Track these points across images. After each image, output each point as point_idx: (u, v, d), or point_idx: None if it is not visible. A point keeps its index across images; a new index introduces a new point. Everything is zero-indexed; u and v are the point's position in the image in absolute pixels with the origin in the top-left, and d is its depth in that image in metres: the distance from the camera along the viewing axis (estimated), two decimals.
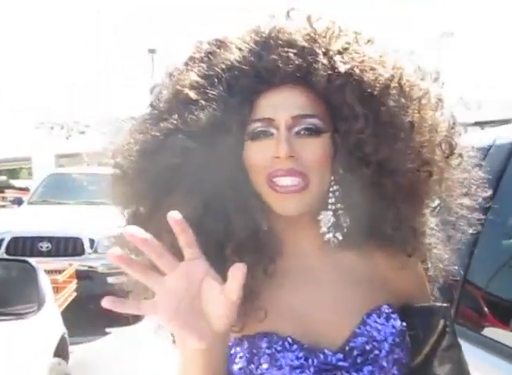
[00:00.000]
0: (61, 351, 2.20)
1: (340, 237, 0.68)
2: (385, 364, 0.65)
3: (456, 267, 0.79)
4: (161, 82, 0.71)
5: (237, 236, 0.65)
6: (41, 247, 4.50)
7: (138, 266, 0.55)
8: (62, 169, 10.19)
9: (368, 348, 0.65)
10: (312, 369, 0.63)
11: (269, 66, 0.64)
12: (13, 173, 27.90)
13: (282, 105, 0.64)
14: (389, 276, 0.71)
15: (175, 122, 0.64)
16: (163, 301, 0.54)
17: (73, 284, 3.60)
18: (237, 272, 0.53)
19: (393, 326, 0.67)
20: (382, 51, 0.67)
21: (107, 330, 4.03)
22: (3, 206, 10.66)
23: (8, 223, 5.00)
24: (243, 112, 0.65)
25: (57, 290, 3.24)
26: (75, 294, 3.56)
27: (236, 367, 0.64)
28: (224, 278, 0.58)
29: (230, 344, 0.65)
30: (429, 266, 0.77)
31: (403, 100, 0.65)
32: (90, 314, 3.94)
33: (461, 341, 1.22)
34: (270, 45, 0.65)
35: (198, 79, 0.66)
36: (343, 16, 0.70)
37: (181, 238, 0.55)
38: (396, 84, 0.65)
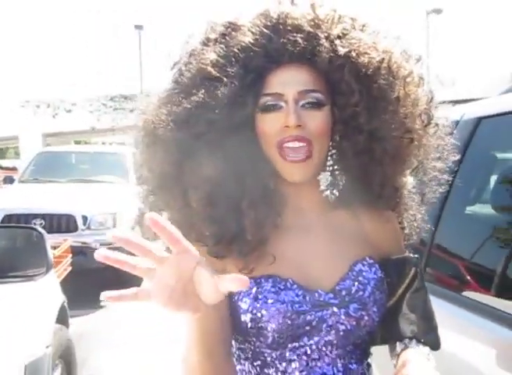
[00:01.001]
0: (62, 318, 2.31)
1: (337, 194, 0.81)
2: (367, 303, 0.78)
3: (427, 227, 0.93)
4: (181, 60, 0.80)
5: (251, 193, 0.76)
6: (35, 224, 4.57)
7: (127, 264, 0.56)
8: (51, 147, 10.12)
9: (354, 289, 0.79)
10: (309, 305, 0.76)
11: (279, 47, 0.75)
12: (0, 153, 27.41)
13: (290, 82, 0.76)
14: (372, 234, 0.85)
15: (202, 96, 0.75)
16: (156, 291, 0.57)
17: (68, 259, 3.70)
18: (240, 281, 0.55)
19: (375, 273, 0.81)
20: (374, 36, 0.79)
21: (102, 303, 4.17)
22: None
23: (1, 202, 5.04)
24: (256, 87, 0.76)
25: (53, 264, 3.33)
26: (70, 268, 3.65)
27: (243, 306, 0.76)
28: (241, 226, 0.75)
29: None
30: (405, 225, 0.91)
31: (391, 79, 0.77)
32: (85, 288, 4.05)
33: (434, 298, 1.38)
34: (279, 29, 0.76)
35: (218, 58, 0.76)
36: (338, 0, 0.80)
37: (164, 237, 0.56)
38: (386, 65, 0.77)
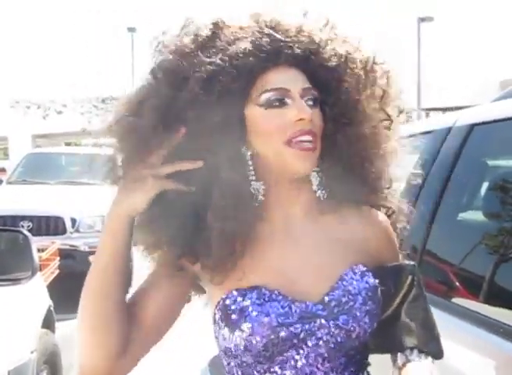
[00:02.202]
0: (48, 323, 2.28)
1: (325, 195, 0.80)
2: (358, 314, 0.76)
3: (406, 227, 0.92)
4: (169, 60, 0.78)
5: (217, 203, 0.74)
6: (22, 226, 4.51)
7: None
8: (40, 148, 10.03)
9: (343, 300, 0.76)
10: (295, 317, 0.74)
11: (276, 47, 0.77)
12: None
13: (293, 79, 0.77)
14: (365, 240, 0.83)
15: (196, 91, 0.73)
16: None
17: (56, 262, 3.64)
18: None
19: (367, 282, 0.78)
20: (356, 40, 0.83)
21: None
22: None
23: None
24: (249, 86, 0.76)
25: (40, 267, 3.28)
26: (58, 271, 3.60)
27: (232, 316, 0.74)
28: (206, 237, 0.74)
29: (223, 296, 0.76)
30: (393, 218, 0.89)
31: (376, 75, 0.82)
32: (73, 292, 3.99)
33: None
34: (276, 31, 0.78)
35: (218, 61, 0.75)
36: (323, 4, 0.84)
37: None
38: (370, 65, 0.81)
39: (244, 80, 0.75)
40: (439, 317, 1.32)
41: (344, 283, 0.78)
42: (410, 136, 1.86)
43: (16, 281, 1.71)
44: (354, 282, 0.78)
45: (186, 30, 0.80)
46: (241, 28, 0.78)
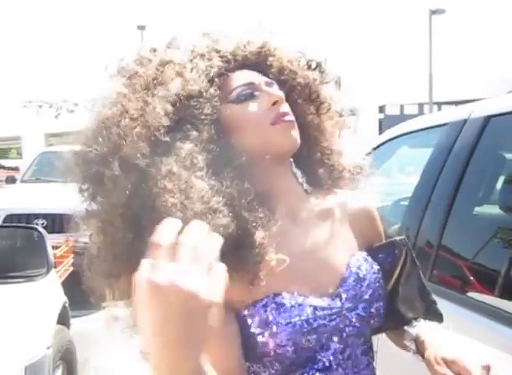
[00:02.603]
0: (63, 319, 2.30)
1: (307, 186, 0.81)
2: (373, 299, 0.77)
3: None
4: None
5: (239, 196, 0.70)
6: (37, 224, 4.55)
7: None
8: (53, 147, 10.13)
9: (357, 287, 0.76)
10: (321, 317, 0.72)
11: (233, 54, 0.81)
12: (2, 153, 27.49)
13: (255, 75, 0.81)
14: (353, 223, 0.83)
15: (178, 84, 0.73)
16: None
17: (70, 259, 3.68)
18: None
19: (371, 266, 0.79)
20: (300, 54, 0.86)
21: (103, 304, 4.14)
22: None
23: (3, 201, 5.03)
24: (220, 83, 0.78)
25: (55, 264, 3.32)
26: (72, 268, 3.64)
27: (256, 330, 0.70)
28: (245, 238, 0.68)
29: (242, 312, 0.71)
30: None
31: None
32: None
33: (440, 300, 1.35)
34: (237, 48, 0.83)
35: (183, 56, 0.77)
36: None
37: None
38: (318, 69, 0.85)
39: (211, 80, 0.76)
40: (455, 311, 1.32)
41: (353, 270, 0.77)
42: (424, 129, 1.84)
43: (31, 278, 1.73)
44: (362, 267, 0.78)
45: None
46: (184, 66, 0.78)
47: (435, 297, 1.35)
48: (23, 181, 6.10)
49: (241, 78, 0.79)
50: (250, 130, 0.76)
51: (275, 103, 0.77)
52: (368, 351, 0.79)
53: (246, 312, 0.72)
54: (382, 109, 17.19)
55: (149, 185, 0.67)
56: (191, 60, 0.78)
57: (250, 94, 0.78)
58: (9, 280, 1.66)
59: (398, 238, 0.85)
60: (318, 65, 0.86)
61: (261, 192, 0.73)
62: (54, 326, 2.11)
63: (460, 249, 1.51)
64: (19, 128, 19.41)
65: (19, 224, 3.95)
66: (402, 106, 17.24)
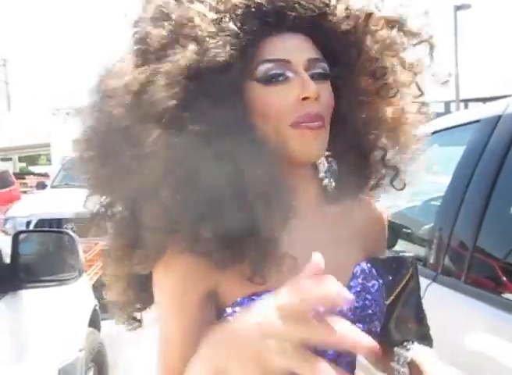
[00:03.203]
0: (94, 322, 2.34)
1: (333, 183, 0.71)
2: (373, 313, 0.70)
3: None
4: (146, 16, 0.63)
5: (255, 180, 0.59)
6: (66, 228, 4.66)
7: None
8: None
9: (362, 297, 0.70)
10: None
11: (279, 10, 0.63)
12: (32, 160, 28.33)
13: (297, 48, 0.64)
14: (363, 231, 0.76)
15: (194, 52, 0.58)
16: None
17: (99, 262, 3.74)
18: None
19: (376, 280, 0.72)
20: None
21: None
22: (25, 192, 10.92)
23: (34, 206, 5.17)
24: (249, 54, 0.62)
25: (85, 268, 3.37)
26: (101, 271, 3.69)
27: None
28: (253, 231, 0.58)
29: (233, 303, 0.62)
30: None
31: (399, 43, 0.68)
32: None
33: (476, 301, 1.29)
34: None
35: (207, 12, 0.61)
36: None
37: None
38: (397, 30, 0.67)
39: (239, 49, 0.61)
40: (491, 313, 1.27)
41: (359, 281, 0.71)
42: (455, 126, 1.78)
43: (63, 282, 1.76)
44: (367, 279, 0.72)
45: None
46: None
47: (471, 299, 1.31)
48: (52, 187, 6.26)
49: (277, 48, 0.63)
50: (270, 122, 0.64)
51: (305, 98, 0.62)
52: (353, 367, 0.73)
53: (229, 310, 0.62)
54: None
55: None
56: (218, 20, 0.60)
57: (280, 74, 0.63)
58: (42, 284, 1.70)
59: (407, 255, 0.79)
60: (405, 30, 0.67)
61: (276, 185, 0.62)
62: (85, 329, 2.14)
63: (496, 250, 1.46)
64: (48, 135, 19.93)
65: (51, 229, 4.04)
66: (427, 104, 16.89)
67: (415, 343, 0.75)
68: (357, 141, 0.69)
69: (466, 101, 15.94)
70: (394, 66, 0.68)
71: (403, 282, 0.77)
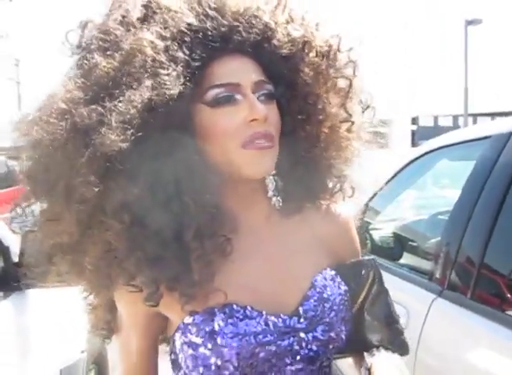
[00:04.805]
0: None
1: (280, 200, 0.74)
2: (334, 322, 0.70)
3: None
4: (92, 42, 0.63)
5: (196, 219, 0.62)
6: None
7: None
8: None
9: (319, 309, 0.70)
10: (274, 334, 0.66)
11: (225, 33, 0.64)
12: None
13: (244, 71, 0.65)
14: (326, 238, 0.77)
15: (147, 89, 0.58)
16: None
17: None
18: None
19: (339, 288, 0.73)
20: (316, 22, 0.71)
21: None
22: None
23: None
24: (199, 79, 0.63)
25: None
26: None
27: (197, 340, 0.64)
28: (185, 263, 0.62)
29: (186, 318, 0.66)
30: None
31: (336, 64, 0.72)
32: None
33: (481, 318, 1.28)
34: (224, 12, 0.65)
35: (157, 39, 0.61)
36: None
37: None
38: (333, 52, 0.71)
39: (186, 73, 0.61)
40: (496, 330, 1.26)
41: (317, 290, 0.71)
42: (466, 141, 1.78)
43: (66, 283, 1.77)
44: (328, 288, 0.72)
45: (113, 15, 0.64)
46: (176, 12, 0.63)
47: (477, 316, 1.30)
48: None
49: (225, 72, 0.64)
50: (218, 144, 0.65)
51: (254, 120, 0.64)
52: (327, 372, 0.73)
53: (189, 320, 0.66)
54: (415, 121, 16.91)
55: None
56: (167, 48, 0.60)
57: (228, 97, 0.64)
58: (46, 284, 1.70)
59: (366, 258, 0.79)
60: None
61: (217, 211, 0.65)
62: (88, 331, 2.14)
63: (503, 267, 1.45)
64: None
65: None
66: (436, 118, 16.92)
67: (382, 349, 0.75)
68: (302, 156, 0.72)
69: (474, 116, 15.92)
70: (326, 90, 0.71)
71: (366, 286, 0.77)
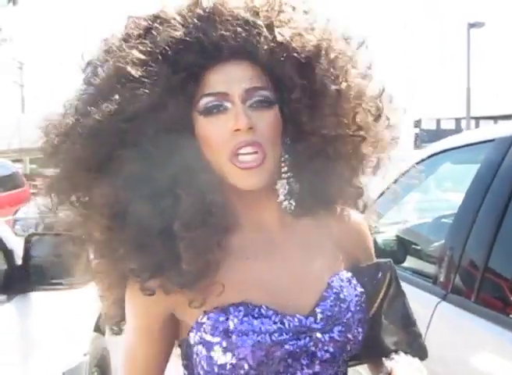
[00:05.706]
0: (99, 327, 2.33)
1: (293, 203, 0.73)
2: (351, 323, 0.70)
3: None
4: (97, 58, 0.70)
5: (186, 211, 0.64)
6: None
7: None
8: None
9: (335, 310, 0.70)
10: (289, 333, 0.66)
11: (216, 41, 0.66)
12: (44, 162, 28.59)
13: (234, 79, 0.66)
14: (341, 241, 0.77)
15: (118, 102, 0.64)
16: None
17: None
18: None
19: (355, 288, 0.73)
20: (312, 20, 0.71)
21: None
22: (35, 193, 10.99)
23: None
24: (190, 88, 0.66)
25: None
26: None
27: (213, 341, 0.65)
28: (172, 251, 0.64)
29: (200, 317, 0.67)
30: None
31: (331, 69, 0.70)
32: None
33: (485, 322, 1.27)
34: (214, 20, 0.66)
35: (140, 55, 0.65)
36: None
37: None
38: (324, 53, 0.69)
39: (179, 84, 0.65)
40: (500, 334, 1.25)
41: (334, 291, 0.71)
42: (469, 145, 1.78)
43: (72, 286, 1.77)
44: (344, 289, 0.72)
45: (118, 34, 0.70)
46: (179, 21, 0.67)
47: (481, 319, 1.30)
48: None
49: (216, 81, 0.66)
50: (212, 154, 0.67)
51: (237, 130, 0.65)
52: None
53: (204, 319, 0.66)
54: (417, 124, 16.91)
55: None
56: (146, 63, 0.65)
57: (217, 106, 0.66)
58: (51, 287, 1.71)
59: (383, 261, 0.78)
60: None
61: (213, 204, 0.67)
62: (91, 334, 2.14)
63: (508, 271, 1.45)
64: None
65: (62, 232, 4.04)
66: (438, 121, 16.92)
67: (402, 353, 0.73)
68: (310, 163, 0.71)
69: (477, 119, 15.91)
70: (336, 96, 0.70)
71: (383, 289, 0.76)
